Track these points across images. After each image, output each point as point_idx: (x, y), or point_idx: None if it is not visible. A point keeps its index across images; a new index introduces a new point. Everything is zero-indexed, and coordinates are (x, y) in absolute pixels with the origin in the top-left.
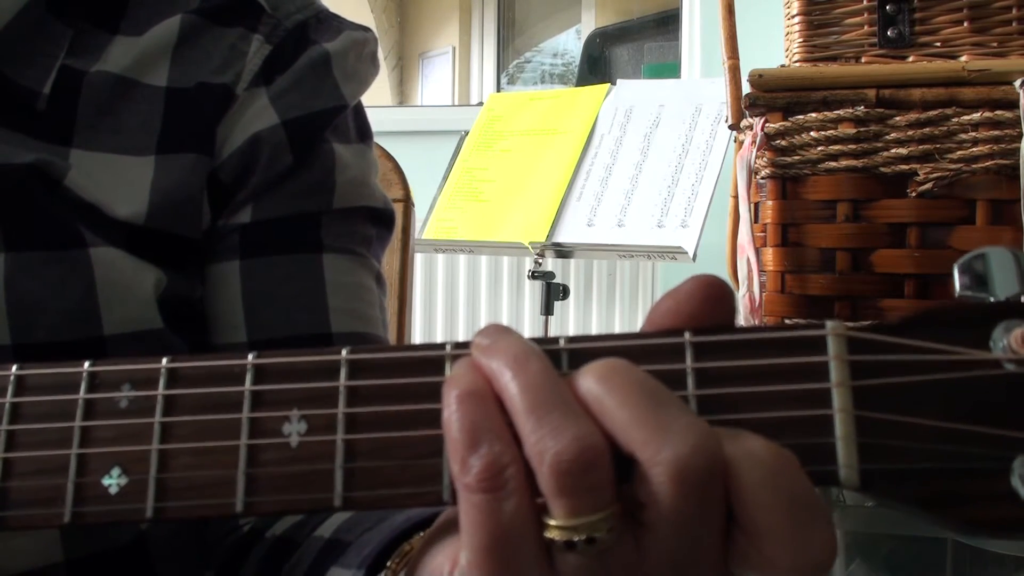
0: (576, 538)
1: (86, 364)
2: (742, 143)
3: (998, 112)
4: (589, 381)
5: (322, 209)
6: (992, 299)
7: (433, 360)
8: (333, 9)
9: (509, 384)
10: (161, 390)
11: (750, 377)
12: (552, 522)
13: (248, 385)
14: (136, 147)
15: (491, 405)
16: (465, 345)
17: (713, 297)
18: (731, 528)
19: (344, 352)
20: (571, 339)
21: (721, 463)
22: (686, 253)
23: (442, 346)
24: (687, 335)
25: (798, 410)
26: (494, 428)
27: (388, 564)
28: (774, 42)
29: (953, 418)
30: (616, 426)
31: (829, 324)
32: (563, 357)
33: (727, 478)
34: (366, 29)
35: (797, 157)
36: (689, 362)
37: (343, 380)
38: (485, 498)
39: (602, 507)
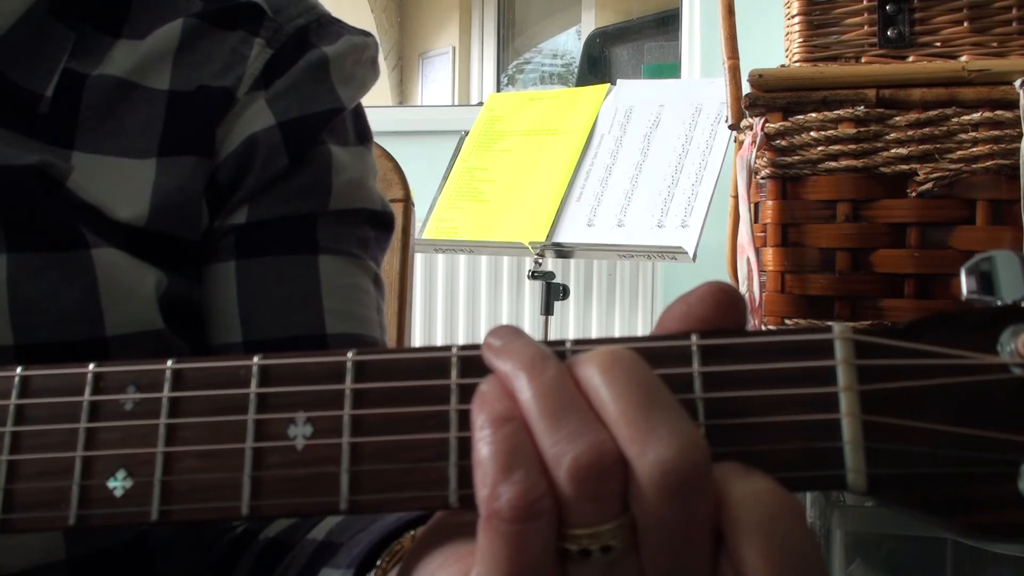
0: (593, 547)
1: (91, 366)
2: (742, 143)
3: (998, 112)
4: (591, 370)
5: (318, 210)
6: (999, 303)
7: (439, 362)
8: (332, 9)
9: (524, 388)
10: (166, 392)
11: (757, 381)
12: (569, 531)
13: (254, 388)
14: (138, 150)
15: (524, 432)
16: (471, 347)
17: (725, 303)
18: (722, 563)
19: (350, 354)
20: (577, 342)
21: (707, 474)
22: (686, 253)
23: (448, 348)
24: (694, 338)
25: (805, 414)
26: (529, 455)
27: (378, 563)
28: (774, 42)
29: (960, 422)
30: (608, 419)
31: (836, 328)
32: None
33: (723, 510)
34: (367, 34)
35: (797, 157)
36: (696, 366)
37: (349, 383)
38: (514, 528)
39: (616, 515)
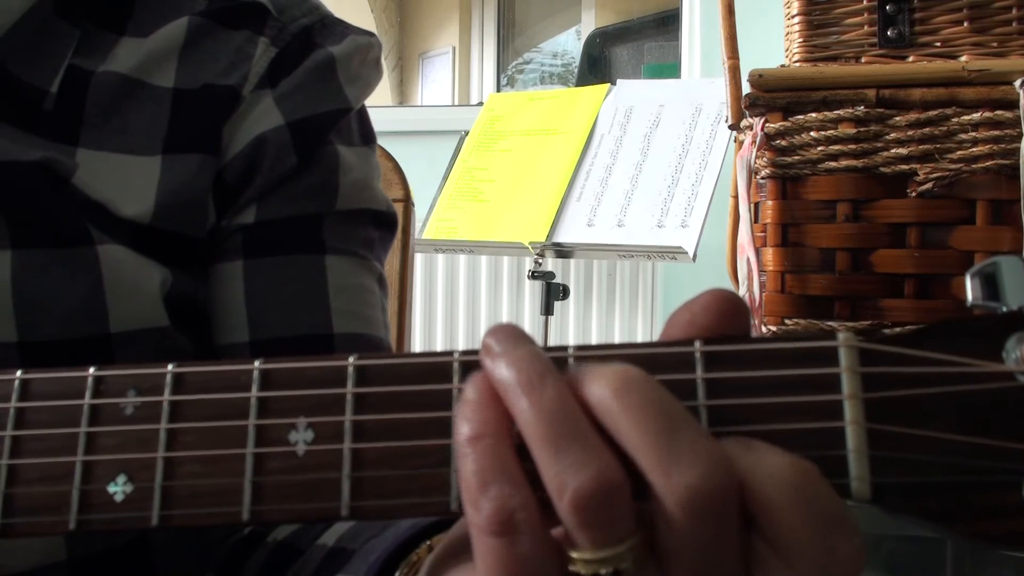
0: (603, 571)
1: (91, 369)
2: (742, 143)
3: (998, 112)
4: (604, 391)
5: (325, 210)
6: (1004, 309)
7: (441, 368)
8: (332, 9)
9: (524, 411)
10: (167, 396)
11: (761, 388)
12: (576, 555)
13: (255, 392)
14: (143, 147)
15: (502, 446)
16: (472, 353)
17: (729, 312)
18: (755, 542)
19: (351, 359)
20: (580, 347)
21: (734, 487)
22: (686, 253)
23: (450, 353)
24: (697, 345)
25: (809, 422)
26: (505, 470)
27: (396, 574)
28: (774, 42)
29: (965, 431)
30: (628, 446)
31: (841, 335)
32: (571, 368)
33: (748, 493)
34: (371, 34)
35: (797, 157)
36: (700, 373)
37: (350, 388)
38: (497, 541)
39: (625, 538)
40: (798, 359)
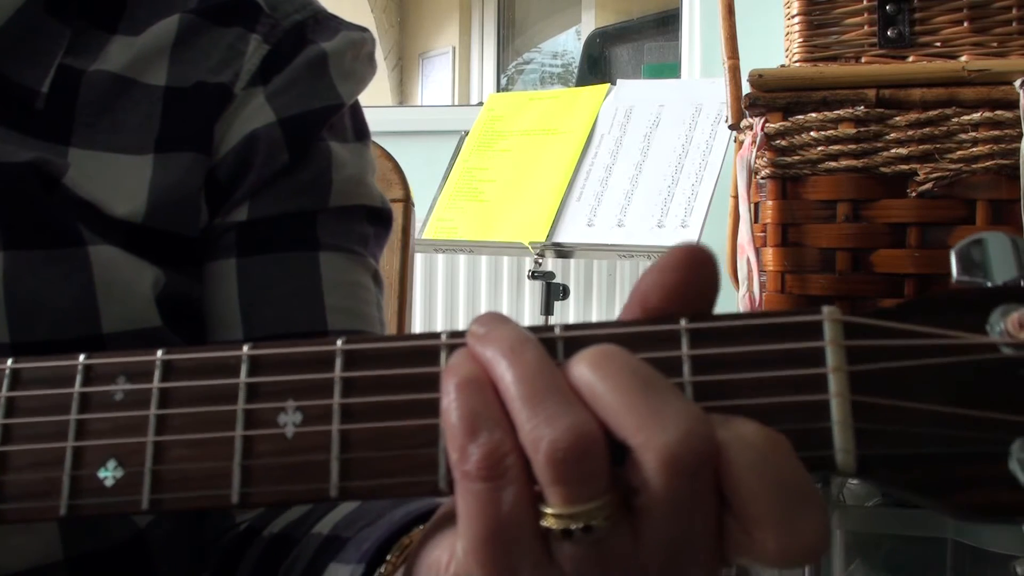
0: (573, 527)
1: (81, 357)
2: (742, 143)
3: (998, 112)
4: (582, 367)
5: (318, 207)
6: (989, 284)
7: (428, 350)
8: (332, 9)
9: (505, 373)
10: (156, 382)
11: (746, 363)
12: (548, 511)
13: (243, 376)
14: (134, 146)
15: (490, 393)
16: (460, 335)
17: (696, 263)
18: (723, 514)
19: (339, 343)
20: (567, 327)
21: (714, 448)
22: None
23: (437, 335)
24: (683, 322)
25: (794, 395)
26: (493, 416)
27: (387, 558)
28: (774, 42)
29: (950, 402)
30: (608, 413)
31: (825, 309)
32: (559, 345)
33: (718, 462)
34: (364, 30)
35: (797, 157)
36: (685, 349)
37: (338, 371)
38: (484, 486)
39: (598, 495)
40: (783, 333)
